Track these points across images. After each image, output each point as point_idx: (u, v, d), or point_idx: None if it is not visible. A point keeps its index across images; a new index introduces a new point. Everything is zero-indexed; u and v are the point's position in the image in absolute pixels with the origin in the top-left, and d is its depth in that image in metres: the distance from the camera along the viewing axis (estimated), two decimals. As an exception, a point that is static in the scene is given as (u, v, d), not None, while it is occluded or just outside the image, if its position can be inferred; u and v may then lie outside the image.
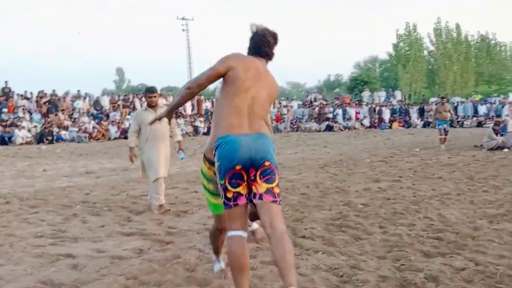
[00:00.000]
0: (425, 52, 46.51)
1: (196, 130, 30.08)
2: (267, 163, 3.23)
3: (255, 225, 5.13)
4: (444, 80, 43.65)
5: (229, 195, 3.23)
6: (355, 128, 31.01)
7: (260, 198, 3.21)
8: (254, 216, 4.19)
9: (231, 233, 3.27)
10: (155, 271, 4.39)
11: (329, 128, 30.80)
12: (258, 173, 3.22)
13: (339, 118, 32.27)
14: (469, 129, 27.71)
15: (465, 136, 21.74)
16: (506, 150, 14.45)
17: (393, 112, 33.62)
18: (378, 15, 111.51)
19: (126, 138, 13.60)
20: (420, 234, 5.57)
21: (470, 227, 5.85)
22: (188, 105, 31.54)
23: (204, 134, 28.46)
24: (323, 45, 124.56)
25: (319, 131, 30.52)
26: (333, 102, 37.24)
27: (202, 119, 31.52)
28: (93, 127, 27.72)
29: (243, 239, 3.26)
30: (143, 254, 5.06)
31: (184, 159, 8.07)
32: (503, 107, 29.42)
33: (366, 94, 39.57)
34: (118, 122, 28.66)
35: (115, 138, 26.96)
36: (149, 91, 7.23)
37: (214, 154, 3.30)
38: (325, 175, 10.52)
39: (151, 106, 7.14)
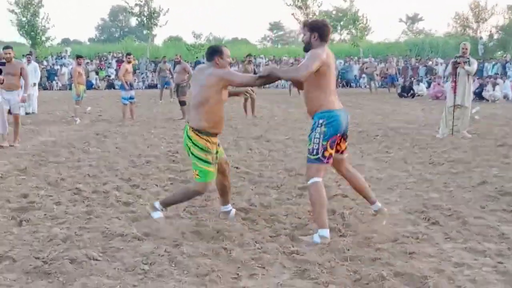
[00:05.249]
0: None
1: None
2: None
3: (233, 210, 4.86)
4: None
5: (327, 154, 4.23)
6: None
7: (342, 153, 4.50)
8: (223, 192, 4.80)
9: (316, 179, 4.22)
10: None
11: None
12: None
13: None
14: None
15: None
16: None
17: None
18: None
19: None
20: None
21: None
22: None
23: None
24: None
25: None
26: None
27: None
28: None
29: (322, 184, 4.25)
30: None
31: None
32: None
33: None
34: None
35: None
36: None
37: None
38: None
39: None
